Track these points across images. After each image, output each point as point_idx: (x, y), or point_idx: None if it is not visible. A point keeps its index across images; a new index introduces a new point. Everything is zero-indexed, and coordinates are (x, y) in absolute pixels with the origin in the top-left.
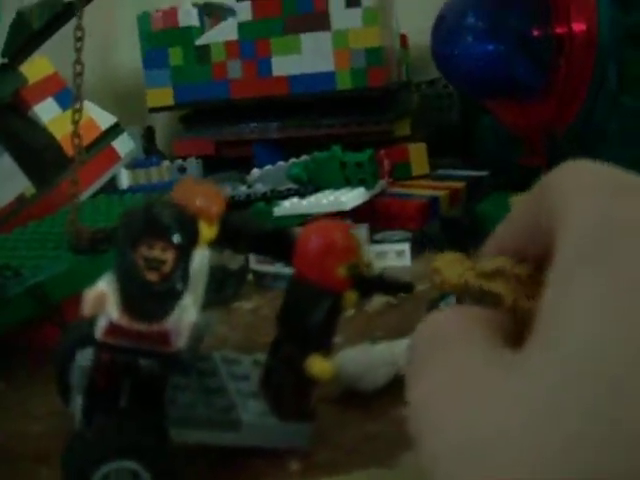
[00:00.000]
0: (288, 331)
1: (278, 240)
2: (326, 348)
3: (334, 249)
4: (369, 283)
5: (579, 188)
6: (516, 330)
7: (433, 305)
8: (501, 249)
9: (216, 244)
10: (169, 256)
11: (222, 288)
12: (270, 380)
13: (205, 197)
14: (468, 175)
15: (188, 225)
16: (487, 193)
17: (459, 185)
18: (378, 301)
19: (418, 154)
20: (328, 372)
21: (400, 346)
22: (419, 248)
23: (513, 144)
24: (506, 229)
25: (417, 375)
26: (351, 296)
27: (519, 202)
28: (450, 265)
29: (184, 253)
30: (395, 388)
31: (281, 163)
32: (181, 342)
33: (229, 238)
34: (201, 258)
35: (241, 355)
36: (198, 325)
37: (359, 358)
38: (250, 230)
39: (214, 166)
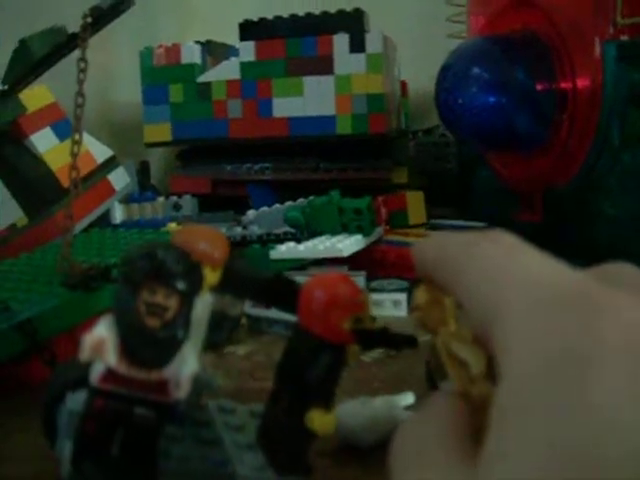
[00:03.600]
0: (288, 382)
1: (281, 288)
2: (327, 402)
3: (340, 302)
4: (373, 337)
5: (517, 309)
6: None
7: (430, 375)
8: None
9: (218, 290)
10: (172, 303)
11: (215, 331)
12: (268, 432)
13: (209, 242)
14: (464, 226)
15: (193, 271)
16: None
17: None
18: (376, 351)
19: (416, 202)
20: (329, 427)
21: (398, 401)
22: None
23: (510, 198)
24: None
25: None
26: (354, 349)
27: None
28: (431, 305)
29: (187, 300)
30: None
31: (277, 205)
32: (180, 393)
33: (232, 284)
34: (203, 305)
35: (237, 404)
36: (199, 378)
37: (358, 412)
38: (253, 277)
39: (209, 204)
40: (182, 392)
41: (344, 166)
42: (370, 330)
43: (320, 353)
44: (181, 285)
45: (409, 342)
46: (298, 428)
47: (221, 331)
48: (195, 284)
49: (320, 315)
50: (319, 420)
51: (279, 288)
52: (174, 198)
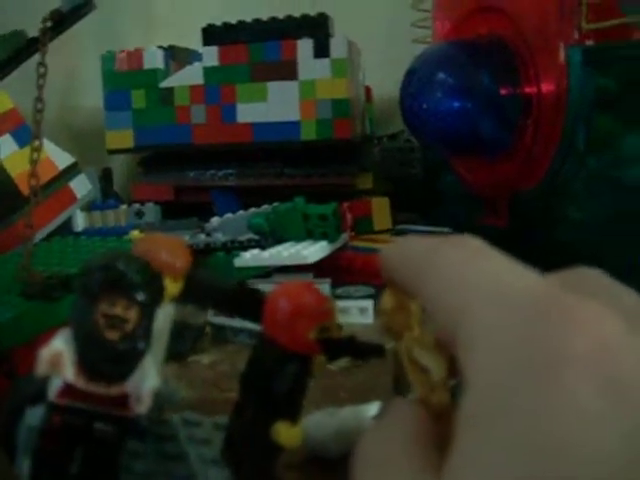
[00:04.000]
0: (253, 394)
1: (245, 298)
2: (294, 414)
3: (305, 312)
4: (339, 346)
5: (480, 318)
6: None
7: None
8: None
9: (180, 300)
10: (132, 314)
11: (178, 341)
12: (232, 445)
13: (170, 251)
14: (430, 231)
15: (153, 282)
16: None
17: None
18: (342, 360)
19: (381, 208)
20: (296, 439)
21: (366, 411)
22: None
23: (475, 203)
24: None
25: None
26: (321, 360)
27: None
28: (396, 310)
29: (148, 311)
30: None
31: (241, 212)
32: (141, 407)
33: (194, 294)
34: (164, 316)
35: (202, 417)
36: (160, 392)
37: (325, 423)
38: (216, 287)
39: (173, 212)
40: (143, 406)
41: (309, 172)
42: (337, 340)
43: (285, 364)
44: (141, 296)
45: (376, 351)
46: (264, 441)
47: (184, 341)
48: (155, 295)
49: (285, 325)
50: (285, 433)
51: (243, 298)
52: (137, 205)
